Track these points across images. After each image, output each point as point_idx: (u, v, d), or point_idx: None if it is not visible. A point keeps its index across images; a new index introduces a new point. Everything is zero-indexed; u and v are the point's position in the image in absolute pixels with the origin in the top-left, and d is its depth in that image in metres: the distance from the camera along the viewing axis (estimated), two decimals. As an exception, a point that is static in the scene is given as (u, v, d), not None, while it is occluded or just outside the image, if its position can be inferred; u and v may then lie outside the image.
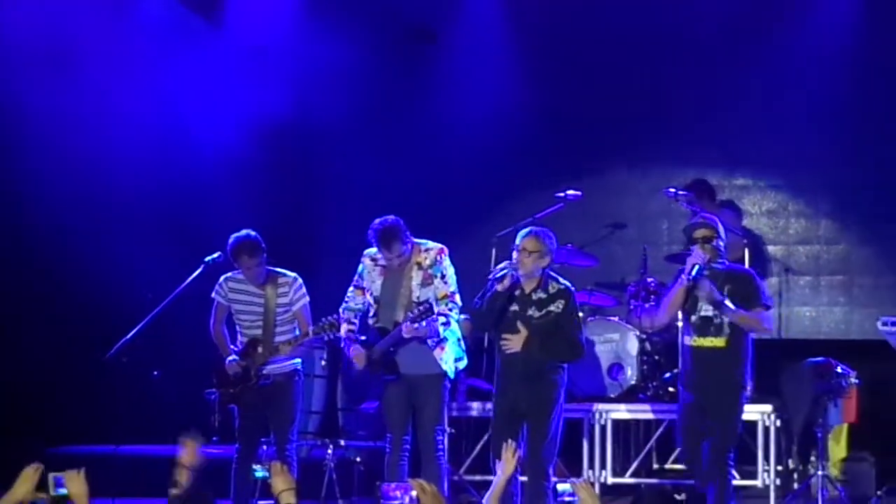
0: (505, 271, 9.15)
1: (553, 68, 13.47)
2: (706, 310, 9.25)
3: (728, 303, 9.15)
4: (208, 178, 13.04)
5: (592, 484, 11.50)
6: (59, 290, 12.73)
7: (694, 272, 9.17)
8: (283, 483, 5.80)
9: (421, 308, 9.29)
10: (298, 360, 9.85)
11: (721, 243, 9.36)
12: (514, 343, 9.15)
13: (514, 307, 9.23)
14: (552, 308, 9.20)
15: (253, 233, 9.70)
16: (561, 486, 6.35)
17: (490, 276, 9.47)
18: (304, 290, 9.76)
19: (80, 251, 12.73)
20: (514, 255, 9.19)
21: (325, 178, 13.64)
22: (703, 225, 9.40)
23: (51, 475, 6.20)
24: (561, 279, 9.40)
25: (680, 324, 9.70)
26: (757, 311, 9.23)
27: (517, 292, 9.22)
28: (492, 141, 13.28)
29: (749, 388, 9.48)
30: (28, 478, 6.05)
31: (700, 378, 9.24)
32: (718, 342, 9.22)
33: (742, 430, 9.44)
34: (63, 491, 6.12)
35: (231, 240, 9.69)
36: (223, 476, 9.60)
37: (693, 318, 9.31)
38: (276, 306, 9.69)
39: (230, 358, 9.71)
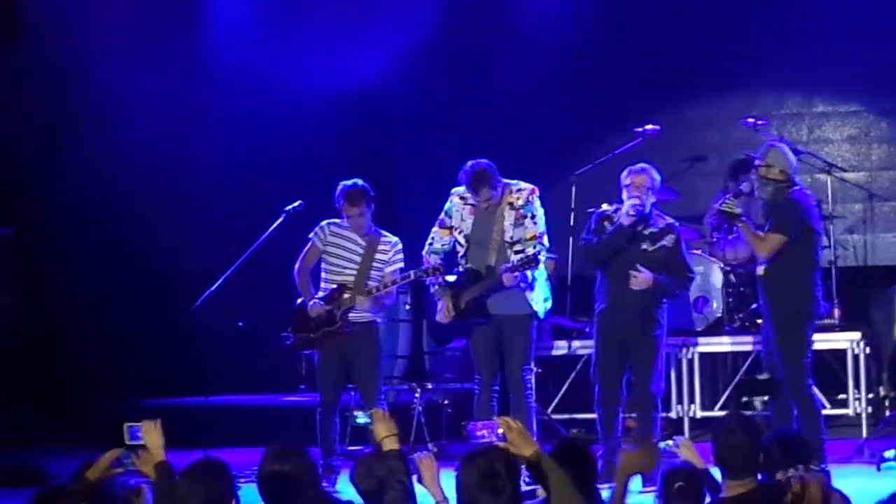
0: (635, 202, 9.18)
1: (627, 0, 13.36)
2: None
3: (743, 222, 9.16)
4: (288, 128, 13.06)
5: (681, 418, 11.50)
6: (146, 244, 12.85)
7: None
8: (385, 429, 5.80)
9: (524, 258, 9.24)
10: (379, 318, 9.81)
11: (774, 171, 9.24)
12: (642, 280, 9.21)
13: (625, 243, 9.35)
14: (664, 242, 9.36)
15: (361, 181, 9.60)
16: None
17: (594, 211, 9.55)
18: (402, 255, 9.68)
19: (167, 205, 12.83)
20: (627, 192, 9.26)
21: (403, 118, 13.59)
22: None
23: (126, 425, 6.22)
24: (665, 215, 9.55)
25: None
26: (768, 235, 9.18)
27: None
28: (568, 78, 13.16)
29: (809, 311, 9.33)
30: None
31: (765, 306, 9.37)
32: (760, 271, 9.27)
33: (812, 355, 9.38)
34: (139, 441, 6.16)
35: (340, 187, 9.58)
36: (309, 424, 9.63)
37: None
38: (373, 260, 9.60)
39: (313, 301, 9.60)
